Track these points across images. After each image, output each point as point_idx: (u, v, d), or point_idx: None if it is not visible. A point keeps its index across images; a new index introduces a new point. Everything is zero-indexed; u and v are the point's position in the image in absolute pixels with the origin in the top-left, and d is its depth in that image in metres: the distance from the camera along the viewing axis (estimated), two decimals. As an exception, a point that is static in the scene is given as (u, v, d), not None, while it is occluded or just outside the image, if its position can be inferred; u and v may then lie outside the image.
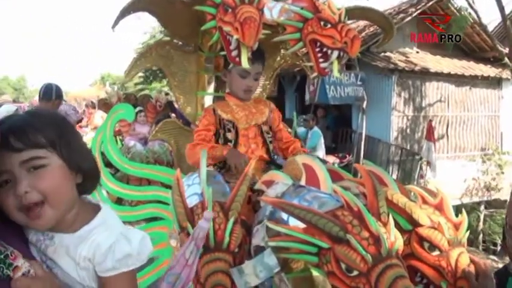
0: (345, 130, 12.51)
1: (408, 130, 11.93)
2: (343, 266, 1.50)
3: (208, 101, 3.07)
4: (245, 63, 2.19)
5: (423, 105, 12.12)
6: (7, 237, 1.14)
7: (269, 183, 1.99)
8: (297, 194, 1.79)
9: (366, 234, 1.49)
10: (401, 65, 11.52)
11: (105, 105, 8.34)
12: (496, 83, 13.19)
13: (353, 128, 12.01)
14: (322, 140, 9.99)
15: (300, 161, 1.98)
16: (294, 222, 1.63)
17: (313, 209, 1.57)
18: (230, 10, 2.15)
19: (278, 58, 3.19)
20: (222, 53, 2.73)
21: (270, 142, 2.64)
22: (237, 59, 2.23)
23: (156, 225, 2.76)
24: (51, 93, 5.16)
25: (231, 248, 1.73)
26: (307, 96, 11.18)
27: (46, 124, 1.23)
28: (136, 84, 26.15)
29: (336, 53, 2.33)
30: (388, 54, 11.82)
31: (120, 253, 1.23)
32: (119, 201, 3.70)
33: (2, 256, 1.04)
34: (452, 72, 12.08)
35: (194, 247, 1.64)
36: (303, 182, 1.89)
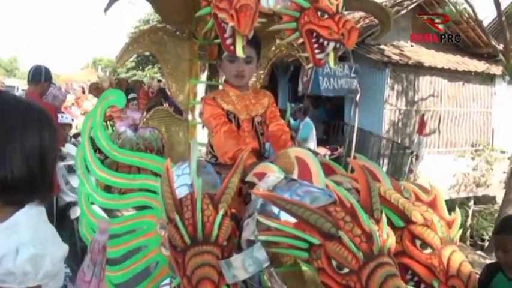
0: (337, 122, 12.48)
1: (400, 124, 11.94)
2: (333, 263, 1.47)
3: (200, 89, 3.02)
4: (240, 52, 2.14)
5: (416, 99, 12.13)
6: None
7: (261, 176, 1.95)
8: (288, 188, 1.76)
9: (358, 231, 1.46)
10: (395, 58, 11.50)
11: (96, 89, 8.25)
12: (489, 79, 13.21)
13: (345, 121, 11.99)
14: (313, 132, 9.97)
15: (292, 153, 1.94)
16: (285, 216, 1.60)
17: (305, 203, 1.54)
18: (226, -4, 2.09)
19: (273, 48, 3.14)
20: (217, 40, 2.69)
21: (262, 134, 2.59)
22: (232, 47, 2.17)
23: (145, 214, 2.73)
24: (40, 76, 5.06)
25: (220, 241, 1.69)
26: (300, 87, 11.13)
27: None
28: (128, 69, 25.91)
29: (332, 44, 2.28)
30: (382, 47, 11.79)
31: (3, 268, 1.16)
32: (107, 188, 3.67)
33: None
34: (446, 67, 12.07)
35: (90, 262, 1.49)
36: (295, 176, 1.86)
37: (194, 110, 2.92)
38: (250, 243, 1.75)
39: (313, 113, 11.77)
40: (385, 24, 2.97)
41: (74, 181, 5.31)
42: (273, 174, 1.88)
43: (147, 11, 24.13)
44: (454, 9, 10.96)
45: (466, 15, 11.19)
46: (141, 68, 25.06)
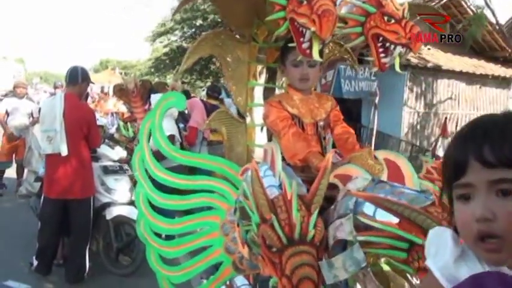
0: (353, 125, 12.48)
1: (418, 126, 11.95)
2: (439, 263, 1.50)
3: (258, 91, 3.06)
4: (316, 55, 2.17)
5: (434, 102, 12.15)
6: None
7: (344, 177, 1.98)
8: (380, 189, 1.78)
9: (462, 232, 1.49)
10: (414, 61, 11.52)
11: (120, 90, 8.23)
12: (505, 83, 13.25)
13: (362, 123, 12.01)
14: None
15: (381, 156, 1.97)
16: (380, 217, 1.63)
17: (410, 204, 1.56)
18: (305, 2, 2.12)
19: (327, 51, 3.17)
20: (278, 43, 2.73)
21: (324, 138, 2.62)
22: (308, 51, 2.21)
23: (208, 215, 2.76)
24: (77, 77, 5.05)
25: (315, 241, 1.72)
26: (318, 89, 11.16)
27: None
28: (145, 74, 25.43)
29: (399, 49, 2.32)
30: (401, 49, 11.81)
31: None
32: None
33: None
34: (463, 71, 12.10)
35: None
36: (384, 178, 1.89)
37: (252, 112, 2.95)
38: (337, 243, 1.79)
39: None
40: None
41: (109, 182, 5.35)
42: (360, 176, 1.91)
43: (162, 14, 23.91)
44: (471, 13, 10.98)
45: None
46: (158, 74, 24.30)
